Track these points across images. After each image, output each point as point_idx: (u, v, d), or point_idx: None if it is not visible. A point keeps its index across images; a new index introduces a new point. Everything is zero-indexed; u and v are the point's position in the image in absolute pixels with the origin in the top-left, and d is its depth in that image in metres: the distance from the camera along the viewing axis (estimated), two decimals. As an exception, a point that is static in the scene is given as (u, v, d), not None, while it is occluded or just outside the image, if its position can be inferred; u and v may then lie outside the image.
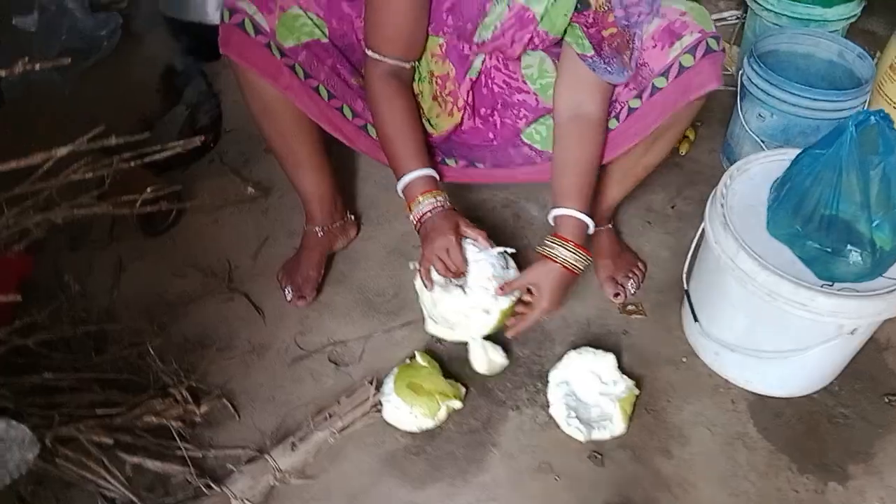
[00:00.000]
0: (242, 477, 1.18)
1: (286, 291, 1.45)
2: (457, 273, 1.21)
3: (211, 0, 2.01)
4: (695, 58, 1.16)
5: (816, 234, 1.13)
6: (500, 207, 1.69)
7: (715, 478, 1.21)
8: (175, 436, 1.18)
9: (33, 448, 1.03)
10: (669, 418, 1.29)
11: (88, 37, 2.09)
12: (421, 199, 1.19)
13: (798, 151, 1.23)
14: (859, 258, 1.10)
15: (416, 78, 1.31)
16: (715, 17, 2.30)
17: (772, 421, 1.30)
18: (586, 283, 1.50)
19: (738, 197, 1.29)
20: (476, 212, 1.65)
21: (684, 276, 1.40)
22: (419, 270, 1.23)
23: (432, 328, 1.29)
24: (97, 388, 1.23)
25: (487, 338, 1.27)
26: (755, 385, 1.33)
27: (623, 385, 1.27)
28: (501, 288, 1.20)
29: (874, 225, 1.09)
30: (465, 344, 1.29)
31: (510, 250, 1.25)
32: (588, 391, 1.27)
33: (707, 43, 1.16)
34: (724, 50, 1.22)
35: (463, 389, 1.30)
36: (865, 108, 1.67)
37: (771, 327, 1.23)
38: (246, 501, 1.17)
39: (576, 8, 1.16)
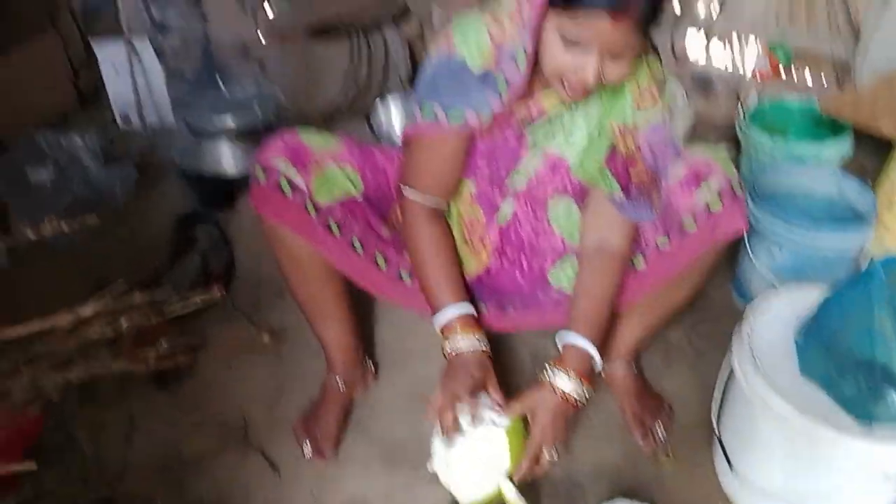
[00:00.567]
0: None
1: (304, 446, 1.40)
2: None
3: (226, 152, 2.08)
4: (721, 202, 1.20)
5: (852, 377, 1.12)
6: (518, 346, 1.67)
7: None
8: None
9: None
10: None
11: (101, 188, 2.14)
12: (461, 334, 1.18)
13: (816, 288, 1.25)
14: (899, 401, 1.08)
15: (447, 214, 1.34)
16: (710, 154, 2.40)
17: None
18: (614, 425, 1.47)
19: (762, 336, 1.28)
20: (492, 350, 1.64)
21: (714, 419, 1.37)
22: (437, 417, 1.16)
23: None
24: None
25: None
26: (797, 533, 1.28)
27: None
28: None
29: (911, 367, 1.08)
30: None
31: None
32: (628, 547, 1.21)
33: (732, 188, 1.20)
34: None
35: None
36: (870, 239, 1.71)
37: (809, 472, 1.19)
38: None
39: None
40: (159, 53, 2.49)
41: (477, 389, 1.16)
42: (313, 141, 1.25)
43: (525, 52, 1.10)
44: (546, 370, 1.17)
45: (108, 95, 2.51)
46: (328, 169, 1.24)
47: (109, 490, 1.31)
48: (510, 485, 1.14)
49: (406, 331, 1.68)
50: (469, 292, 1.32)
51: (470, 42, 1.14)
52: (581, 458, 1.41)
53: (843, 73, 2.40)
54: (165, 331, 1.35)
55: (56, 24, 2.53)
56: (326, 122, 2.63)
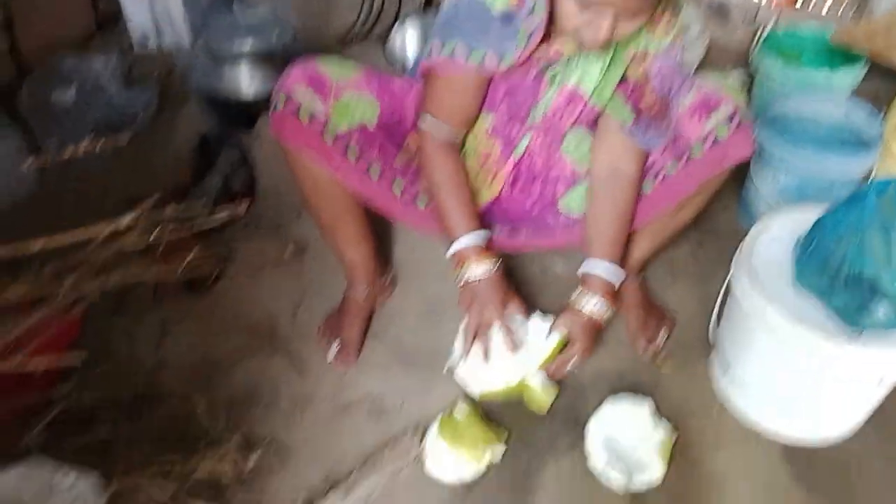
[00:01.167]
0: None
1: (329, 352, 1.50)
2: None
3: (244, 75, 2.11)
4: (729, 129, 1.25)
5: (842, 291, 1.18)
6: (528, 263, 1.75)
7: (753, 526, 1.24)
8: (227, 488, 1.22)
9: (100, 499, 1.07)
10: (705, 467, 1.32)
11: (123, 111, 2.19)
12: (474, 261, 1.24)
13: (817, 210, 1.30)
14: (887, 311, 1.15)
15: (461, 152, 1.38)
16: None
17: (805, 468, 1.33)
18: (617, 335, 1.56)
19: (762, 252, 1.34)
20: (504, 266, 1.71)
21: (710, 331, 1.45)
22: (465, 336, 1.27)
23: (475, 386, 1.32)
24: (149, 446, 1.27)
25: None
26: (786, 433, 1.37)
27: (662, 429, 1.31)
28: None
29: (899, 281, 1.15)
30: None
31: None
32: (627, 438, 1.31)
33: (740, 115, 1.25)
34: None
35: (505, 433, 1.34)
36: (875, 165, 1.75)
37: (800, 377, 1.27)
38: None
39: None
40: (177, -24, 2.50)
41: (500, 311, 1.24)
42: (332, 69, 1.28)
43: (543, 4, 1.13)
44: (575, 296, 1.29)
45: (126, 19, 2.54)
46: (346, 96, 1.27)
47: (146, 387, 1.41)
48: (538, 375, 1.28)
49: (422, 246, 1.75)
50: (480, 219, 1.40)
51: None
52: (585, 363, 1.49)
53: (860, 2, 2.38)
54: (194, 243, 1.43)
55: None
56: (343, 45, 2.65)
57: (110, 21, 2.68)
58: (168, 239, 1.26)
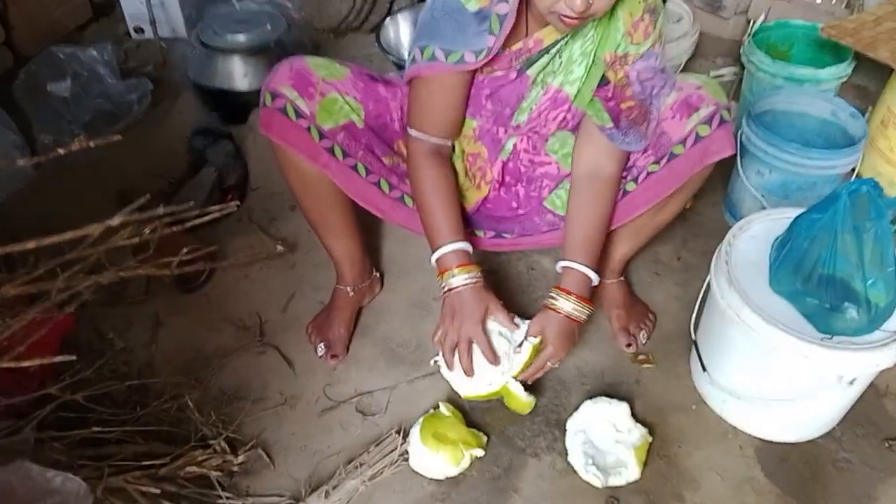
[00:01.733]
0: (280, 525, 1.25)
1: (318, 348, 1.53)
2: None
3: (238, 68, 2.13)
4: (710, 127, 1.27)
5: (816, 291, 1.21)
6: (515, 260, 1.77)
7: (726, 522, 1.28)
8: (216, 485, 1.26)
9: (88, 500, 1.10)
10: (681, 464, 1.36)
11: (118, 102, 2.20)
12: (456, 271, 1.26)
13: (797, 212, 1.33)
14: (856, 314, 1.18)
15: (451, 155, 1.41)
16: (714, 74, 2.42)
17: (778, 466, 1.36)
18: (600, 333, 1.59)
19: (741, 254, 1.37)
20: (491, 264, 1.74)
21: (692, 328, 1.48)
22: (442, 350, 1.30)
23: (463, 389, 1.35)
24: (141, 440, 1.31)
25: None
26: (761, 431, 1.40)
27: (637, 433, 1.34)
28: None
29: (869, 283, 1.17)
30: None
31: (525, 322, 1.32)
32: (604, 439, 1.34)
33: (721, 114, 1.27)
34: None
35: (485, 438, 1.37)
36: (860, 163, 1.77)
37: (775, 377, 1.31)
38: (283, 547, 1.24)
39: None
40: (171, -33, 2.50)
41: (478, 328, 1.27)
42: (320, 69, 1.31)
43: None
44: (550, 297, 1.31)
45: (122, 9, 2.55)
46: (331, 96, 1.30)
47: (139, 381, 1.45)
48: (518, 384, 1.32)
49: (410, 244, 1.78)
50: (468, 221, 1.44)
51: None
52: (567, 361, 1.52)
53: (852, -6, 2.38)
54: (184, 240, 1.46)
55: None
56: (336, 36, 2.66)
57: (106, 10, 2.69)
58: (161, 235, 1.29)
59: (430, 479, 1.32)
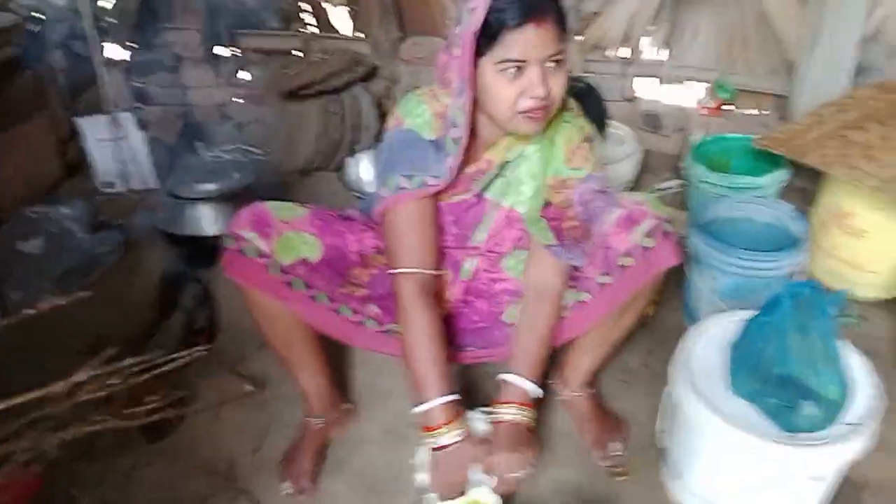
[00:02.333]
0: None
1: (284, 486, 1.51)
2: None
3: (207, 214, 2.20)
4: (654, 239, 1.34)
5: (774, 391, 1.24)
6: (469, 369, 1.78)
7: None
8: None
9: None
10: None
11: (90, 255, 2.26)
12: (444, 430, 1.24)
13: (750, 314, 1.38)
14: (813, 410, 1.21)
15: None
16: (661, 187, 2.55)
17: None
18: (573, 448, 1.59)
19: (700, 358, 1.41)
20: (462, 380, 1.75)
21: (657, 436, 1.49)
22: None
23: None
24: None
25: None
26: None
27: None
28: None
29: (821, 379, 1.21)
30: None
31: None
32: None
33: (663, 227, 1.35)
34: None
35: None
36: (808, 262, 1.84)
37: (745, 478, 1.31)
38: None
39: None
40: (141, 124, 2.64)
41: (462, 484, 1.26)
42: (279, 211, 1.38)
43: (463, 112, 1.25)
44: (493, 413, 1.32)
45: (93, 165, 2.65)
46: (288, 234, 1.36)
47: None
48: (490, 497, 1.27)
49: (381, 370, 1.79)
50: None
51: (415, 116, 1.31)
52: (542, 477, 1.52)
53: (782, 108, 2.56)
54: (154, 387, 1.46)
55: (44, 105, 2.68)
56: (302, 176, 2.77)
57: (78, 167, 2.79)
58: (129, 385, 1.30)
59: None
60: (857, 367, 1.34)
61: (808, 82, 2.35)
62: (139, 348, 1.56)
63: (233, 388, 1.78)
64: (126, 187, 2.58)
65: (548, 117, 1.26)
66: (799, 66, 2.39)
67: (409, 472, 1.35)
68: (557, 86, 1.21)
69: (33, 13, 2.80)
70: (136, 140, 2.63)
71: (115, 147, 2.57)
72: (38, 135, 2.66)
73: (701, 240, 1.81)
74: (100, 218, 2.49)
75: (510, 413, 1.30)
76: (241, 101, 3.24)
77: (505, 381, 1.34)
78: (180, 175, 2.30)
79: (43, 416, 1.26)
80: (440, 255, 1.46)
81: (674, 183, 2.55)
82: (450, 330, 1.52)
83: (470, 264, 1.49)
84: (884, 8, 2.25)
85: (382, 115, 2.93)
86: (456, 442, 1.25)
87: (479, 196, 1.41)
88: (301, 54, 2.99)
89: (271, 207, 1.38)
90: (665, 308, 2.01)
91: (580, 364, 1.55)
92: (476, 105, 1.26)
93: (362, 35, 3.01)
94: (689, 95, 2.78)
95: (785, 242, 1.87)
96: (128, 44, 3.11)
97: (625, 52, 2.76)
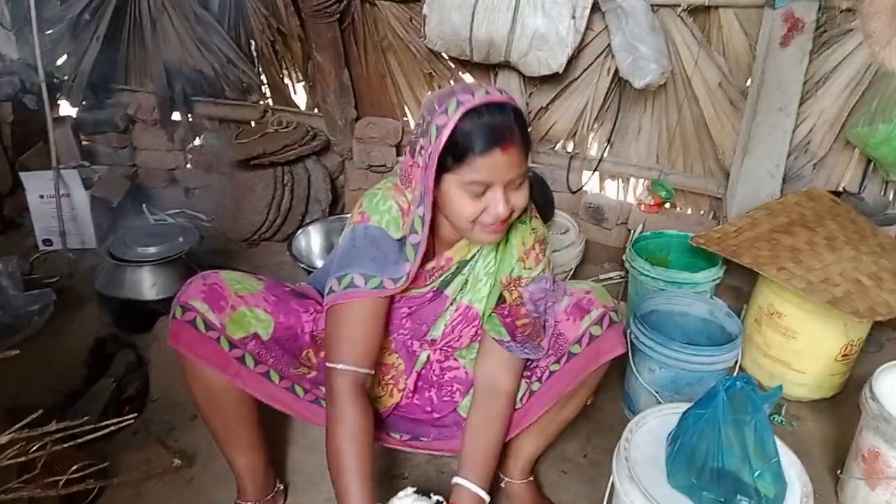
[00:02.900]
0: None
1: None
2: None
3: (146, 278, 2.15)
4: (602, 328, 1.37)
5: (709, 485, 1.25)
6: (425, 464, 1.76)
7: None
8: None
9: None
10: None
11: (19, 313, 2.17)
12: None
13: (686, 406, 1.40)
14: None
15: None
16: (602, 277, 2.62)
17: None
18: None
19: (639, 450, 1.42)
20: (400, 468, 1.72)
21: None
22: None
23: None
24: None
25: None
26: None
27: None
28: None
29: (756, 475, 1.23)
30: None
31: None
32: None
33: (610, 316, 1.39)
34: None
35: None
36: (740, 358, 1.90)
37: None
38: None
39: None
40: (86, 183, 2.59)
41: None
42: (234, 283, 1.36)
43: (422, 219, 1.25)
44: None
45: (32, 221, 2.58)
46: (241, 310, 1.34)
47: None
48: None
49: (316, 451, 1.74)
50: (383, 423, 1.46)
51: (382, 213, 1.30)
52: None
53: (717, 208, 2.70)
54: (77, 455, 1.39)
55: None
56: (249, 246, 2.75)
57: (16, 224, 2.71)
58: (50, 452, 1.23)
59: None
60: (788, 465, 1.37)
61: (740, 186, 2.48)
62: (62, 416, 1.48)
63: (158, 462, 1.70)
64: (64, 246, 2.51)
65: (506, 228, 1.29)
66: (732, 171, 2.53)
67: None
68: (520, 199, 1.24)
69: (-16, 65, 2.77)
70: (80, 198, 2.58)
71: (57, 204, 2.51)
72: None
73: (640, 330, 1.85)
74: (34, 275, 2.42)
75: None
76: (191, 166, 3.23)
77: (458, 485, 1.32)
78: (122, 236, 2.26)
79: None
80: (397, 347, 1.46)
81: (616, 274, 2.63)
82: (403, 419, 1.51)
83: (424, 355, 1.49)
84: (809, 121, 2.42)
85: (334, 189, 2.96)
86: None
87: (437, 292, 1.41)
88: (256, 125, 3.02)
89: (226, 279, 1.36)
90: (603, 397, 2.04)
91: (522, 451, 1.55)
92: (437, 207, 1.28)
93: (318, 111, 3.07)
94: (631, 191, 2.90)
95: (720, 337, 1.93)
96: (80, 101, 3.09)
97: (570, 146, 2.88)
